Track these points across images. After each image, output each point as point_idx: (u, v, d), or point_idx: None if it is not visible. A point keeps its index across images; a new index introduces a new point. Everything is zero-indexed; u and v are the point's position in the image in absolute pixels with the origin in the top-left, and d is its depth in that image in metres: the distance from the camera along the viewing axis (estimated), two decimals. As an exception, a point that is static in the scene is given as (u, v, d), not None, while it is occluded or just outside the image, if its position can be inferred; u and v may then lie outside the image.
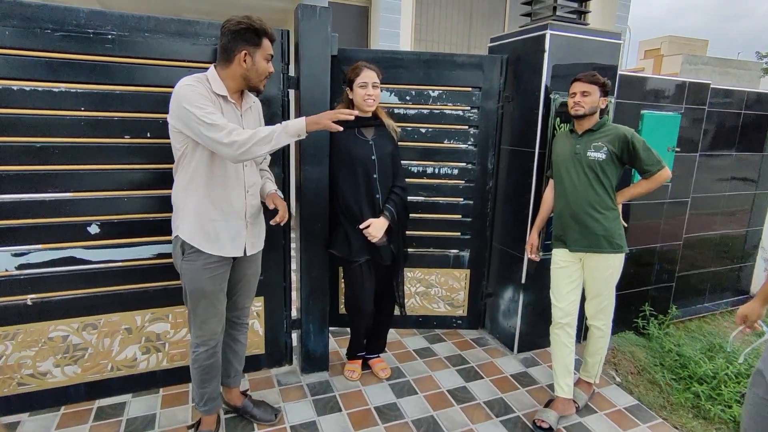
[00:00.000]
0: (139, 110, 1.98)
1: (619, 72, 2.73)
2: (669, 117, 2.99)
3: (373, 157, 2.23)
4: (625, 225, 2.28)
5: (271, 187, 2.00)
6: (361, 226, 2.20)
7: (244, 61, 1.68)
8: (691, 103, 3.10)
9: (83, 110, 1.90)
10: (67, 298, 2.03)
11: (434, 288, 2.96)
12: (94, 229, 2.01)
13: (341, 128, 1.75)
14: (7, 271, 1.91)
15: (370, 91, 2.16)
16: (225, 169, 1.73)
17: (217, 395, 1.96)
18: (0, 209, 1.86)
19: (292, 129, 1.66)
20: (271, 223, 1.92)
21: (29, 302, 1.96)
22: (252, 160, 1.84)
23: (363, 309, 2.34)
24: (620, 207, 2.25)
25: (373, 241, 2.20)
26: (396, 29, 5.23)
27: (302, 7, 2.14)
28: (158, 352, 2.26)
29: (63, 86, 1.86)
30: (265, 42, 1.72)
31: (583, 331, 2.65)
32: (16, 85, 1.79)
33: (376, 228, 2.19)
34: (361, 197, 2.23)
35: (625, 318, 3.23)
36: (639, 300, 3.27)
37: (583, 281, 2.29)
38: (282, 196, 1.95)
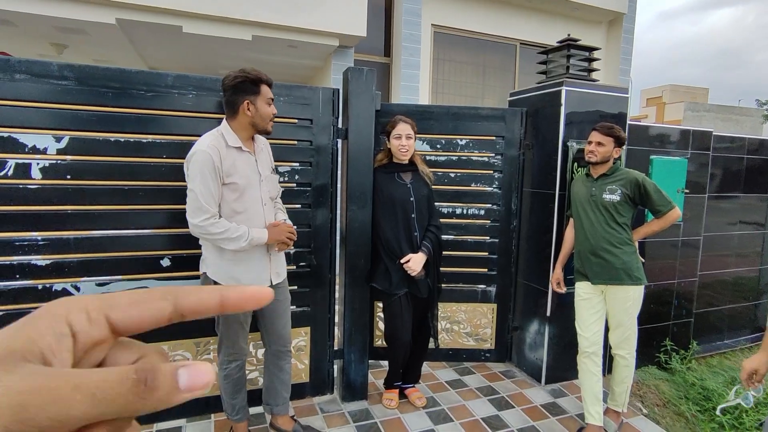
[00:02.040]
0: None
1: (628, 121, 3.03)
2: (676, 161, 3.25)
3: (411, 199, 2.49)
4: (643, 260, 2.48)
5: (281, 216, 2.17)
6: (402, 261, 2.42)
7: (248, 110, 1.88)
8: (696, 149, 3.37)
9: (165, 158, 2.19)
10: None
11: (463, 323, 3.13)
12: (166, 262, 2.25)
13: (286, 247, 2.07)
14: (91, 299, 2.14)
15: (403, 142, 2.45)
16: (247, 210, 1.94)
17: (245, 404, 2.22)
18: (91, 243, 2.11)
19: (255, 240, 1.90)
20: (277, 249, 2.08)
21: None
22: (269, 198, 2.06)
23: (402, 339, 2.52)
24: (636, 243, 2.46)
25: (413, 274, 2.42)
26: (415, 83, 5.68)
27: (351, 69, 2.48)
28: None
29: (150, 137, 2.17)
30: (263, 88, 1.89)
31: (607, 364, 2.78)
32: (113, 137, 2.10)
33: (415, 262, 2.41)
34: (401, 235, 2.47)
35: (647, 353, 3.34)
36: (660, 335, 3.40)
37: (606, 312, 2.46)
38: (290, 225, 2.12)
